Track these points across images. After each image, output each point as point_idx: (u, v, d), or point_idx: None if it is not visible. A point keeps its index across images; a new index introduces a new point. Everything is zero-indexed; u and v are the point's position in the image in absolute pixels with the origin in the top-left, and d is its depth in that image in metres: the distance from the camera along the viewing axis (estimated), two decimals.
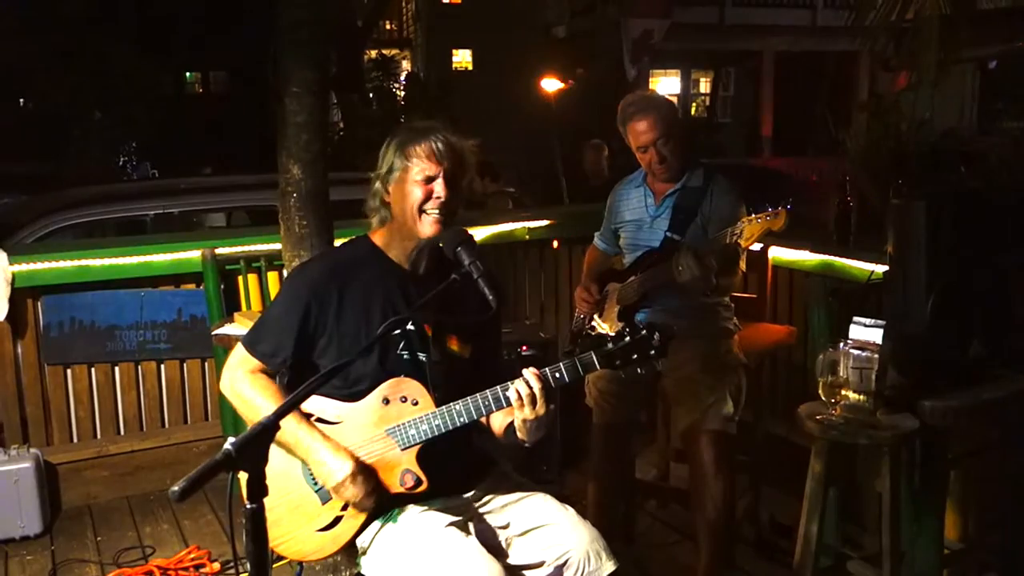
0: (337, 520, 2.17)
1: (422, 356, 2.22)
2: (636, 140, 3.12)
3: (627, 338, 2.11)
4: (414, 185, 2.18)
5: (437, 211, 2.18)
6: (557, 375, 2.10)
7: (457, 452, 2.21)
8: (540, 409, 2.07)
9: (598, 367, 2.12)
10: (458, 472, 2.26)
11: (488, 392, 2.11)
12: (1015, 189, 2.93)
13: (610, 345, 2.12)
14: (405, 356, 2.21)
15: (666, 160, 3.11)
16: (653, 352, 2.11)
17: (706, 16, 18.31)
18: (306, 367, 2.21)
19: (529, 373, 2.08)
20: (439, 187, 2.18)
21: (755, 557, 3.45)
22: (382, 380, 2.17)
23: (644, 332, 2.11)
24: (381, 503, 2.15)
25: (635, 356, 2.11)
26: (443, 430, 2.12)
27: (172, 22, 15.70)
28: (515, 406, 2.08)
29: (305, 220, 3.16)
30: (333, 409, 2.19)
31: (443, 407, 2.13)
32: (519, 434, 2.15)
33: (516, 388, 2.07)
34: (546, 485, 2.38)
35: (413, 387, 2.17)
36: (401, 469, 2.15)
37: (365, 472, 2.12)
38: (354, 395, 2.19)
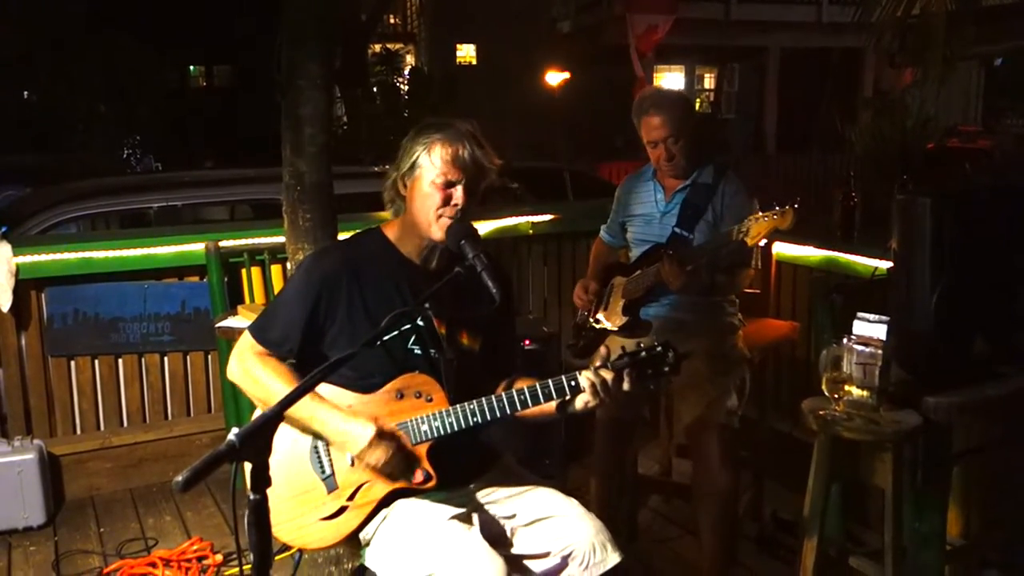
0: (341, 510, 2.17)
1: (433, 352, 2.21)
2: (648, 135, 3.13)
3: (643, 353, 2.12)
4: (433, 188, 2.16)
5: (451, 217, 2.16)
6: (572, 383, 2.11)
7: (464, 446, 2.22)
8: (614, 396, 2.10)
9: None
10: (464, 465, 2.26)
11: (503, 395, 2.12)
12: (1019, 185, 2.92)
13: (626, 359, 2.12)
14: (417, 351, 2.21)
15: (675, 158, 3.12)
16: (668, 368, 2.12)
17: (711, 12, 18.28)
18: (315, 358, 2.18)
19: (599, 371, 2.10)
20: (458, 194, 2.16)
21: (758, 553, 3.45)
22: (394, 374, 2.17)
23: (659, 348, 2.12)
24: (407, 462, 2.13)
25: (650, 371, 2.12)
26: (455, 428, 2.13)
27: (176, 16, 15.70)
28: (588, 393, 2.10)
29: (309, 213, 3.16)
30: (345, 399, 2.19)
31: (457, 406, 2.13)
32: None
33: (586, 377, 2.09)
34: (548, 479, 2.38)
35: (428, 383, 2.17)
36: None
37: (388, 434, 2.10)
38: (367, 387, 2.19)
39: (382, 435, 2.09)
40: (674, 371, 2.13)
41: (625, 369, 2.11)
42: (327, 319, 2.20)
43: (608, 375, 2.08)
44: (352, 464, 2.17)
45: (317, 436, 2.19)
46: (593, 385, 2.08)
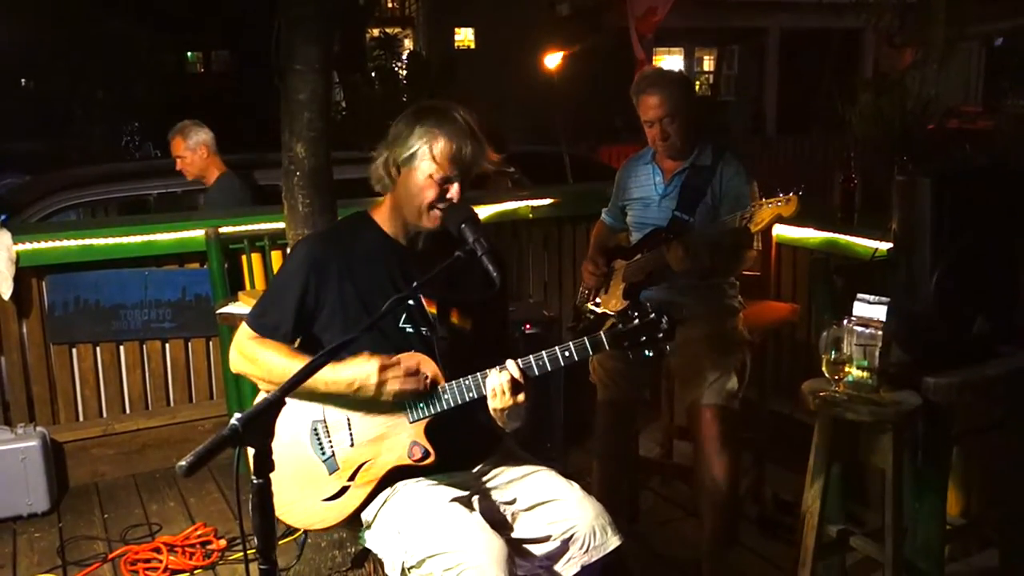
0: (343, 491, 2.19)
1: (425, 331, 2.23)
2: (644, 114, 3.13)
3: (636, 320, 2.12)
4: (429, 182, 2.16)
5: (444, 210, 2.17)
6: (566, 353, 2.11)
7: (464, 427, 2.23)
8: (508, 401, 2.09)
9: (607, 347, 2.13)
10: (464, 447, 2.27)
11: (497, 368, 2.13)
12: (1019, 166, 2.92)
13: (620, 326, 2.12)
14: (409, 330, 2.23)
15: (670, 138, 3.11)
16: (662, 335, 2.12)
17: None
18: (310, 341, 2.24)
19: (511, 364, 2.10)
20: (454, 190, 2.17)
21: (758, 534, 3.47)
22: (388, 354, 2.17)
23: (653, 315, 2.12)
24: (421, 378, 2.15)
25: (644, 338, 2.12)
26: (452, 404, 2.15)
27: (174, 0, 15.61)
28: (488, 396, 2.10)
29: (308, 199, 3.16)
30: None
31: (452, 382, 2.15)
32: (497, 421, 2.17)
33: (489, 379, 2.10)
34: (550, 462, 2.38)
35: (424, 362, 2.18)
36: (409, 441, 2.17)
37: (392, 361, 2.12)
38: None
39: (386, 364, 2.11)
40: (669, 337, 2.12)
41: (619, 337, 2.11)
42: (318, 303, 2.23)
43: (507, 376, 2.08)
44: (352, 445, 2.19)
45: (325, 401, 2.20)
46: (493, 390, 2.10)
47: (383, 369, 2.10)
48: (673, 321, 2.12)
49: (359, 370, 2.11)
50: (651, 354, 2.14)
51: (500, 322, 2.46)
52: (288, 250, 3.29)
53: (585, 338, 2.13)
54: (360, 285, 2.22)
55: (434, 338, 2.23)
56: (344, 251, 2.25)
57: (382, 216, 2.30)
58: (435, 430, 2.17)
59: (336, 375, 2.12)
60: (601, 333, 2.13)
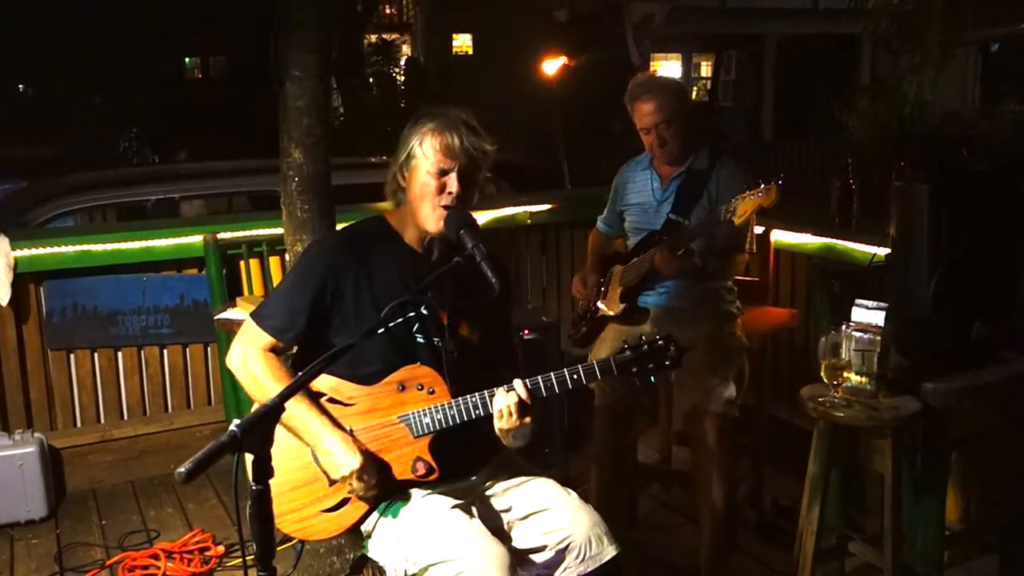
0: (344, 502, 2.17)
1: (437, 341, 2.22)
2: (640, 121, 3.14)
3: (645, 347, 2.14)
4: (429, 177, 2.17)
5: (448, 206, 2.16)
6: (575, 376, 2.13)
7: (464, 437, 2.21)
8: (514, 423, 2.10)
9: (615, 372, 2.16)
10: (464, 457, 2.26)
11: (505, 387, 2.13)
12: (1016, 169, 2.92)
13: (628, 353, 2.15)
14: (420, 340, 2.21)
15: (666, 144, 3.12)
16: (669, 362, 2.15)
17: None
18: (317, 345, 2.18)
19: (519, 384, 2.11)
20: (452, 182, 2.17)
21: (757, 539, 3.46)
22: (394, 363, 2.17)
23: (661, 342, 2.14)
24: (388, 490, 2.15)
25: (651, 365, 2.15)
26: (457, 421, 2.14)
27: (171, 6, 15.62)
28: (495, 416, 2.11)
29: (307, 204, 3.16)
30: (347, 390, 2.20)
31: (459, 399, 2.14)
32: (502, 440, 2.18)
33: (496, 399, 2.10)
34: (548, 469, 2.38)
35: (430, 375, 2.17)
36: (413, 457, 2.16)
37: (372, 466, 2.12)
38: (365, 376, 2.19)
39: (365, 470, 2.10)
40: (675, 364, 2.15)
41: (628, 363, 2.13)
42: (333, 306, 2.20)
43: (515, 398, 2.09)
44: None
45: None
46: (500, 411, 2.10)
47: (358, 472, 2.09)
48: (680, 348, 2.15)
49: (341, 453, 2.10)
50: (656, 380, 2.17)
51: (505, 334, 2.46)
52: (287, 256, 3.28)
53: (595, 362, 2.15)
54: (376, 290, 2.20)
55: (444, 350, 2.21)
56: (360, 254, 2.23)
57: (398, 222, 2.29)
58: (437, 443, 2.16)
59: (325, 433, 2.11)
60: (611, 359, 2.16)
